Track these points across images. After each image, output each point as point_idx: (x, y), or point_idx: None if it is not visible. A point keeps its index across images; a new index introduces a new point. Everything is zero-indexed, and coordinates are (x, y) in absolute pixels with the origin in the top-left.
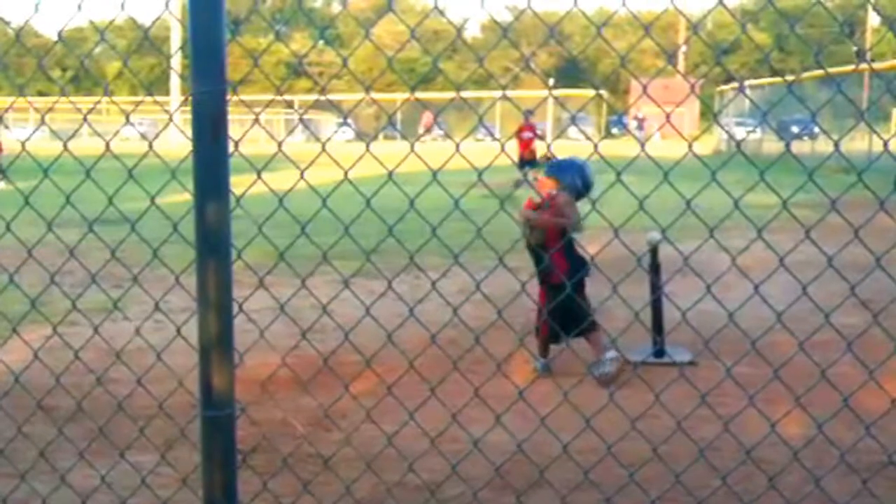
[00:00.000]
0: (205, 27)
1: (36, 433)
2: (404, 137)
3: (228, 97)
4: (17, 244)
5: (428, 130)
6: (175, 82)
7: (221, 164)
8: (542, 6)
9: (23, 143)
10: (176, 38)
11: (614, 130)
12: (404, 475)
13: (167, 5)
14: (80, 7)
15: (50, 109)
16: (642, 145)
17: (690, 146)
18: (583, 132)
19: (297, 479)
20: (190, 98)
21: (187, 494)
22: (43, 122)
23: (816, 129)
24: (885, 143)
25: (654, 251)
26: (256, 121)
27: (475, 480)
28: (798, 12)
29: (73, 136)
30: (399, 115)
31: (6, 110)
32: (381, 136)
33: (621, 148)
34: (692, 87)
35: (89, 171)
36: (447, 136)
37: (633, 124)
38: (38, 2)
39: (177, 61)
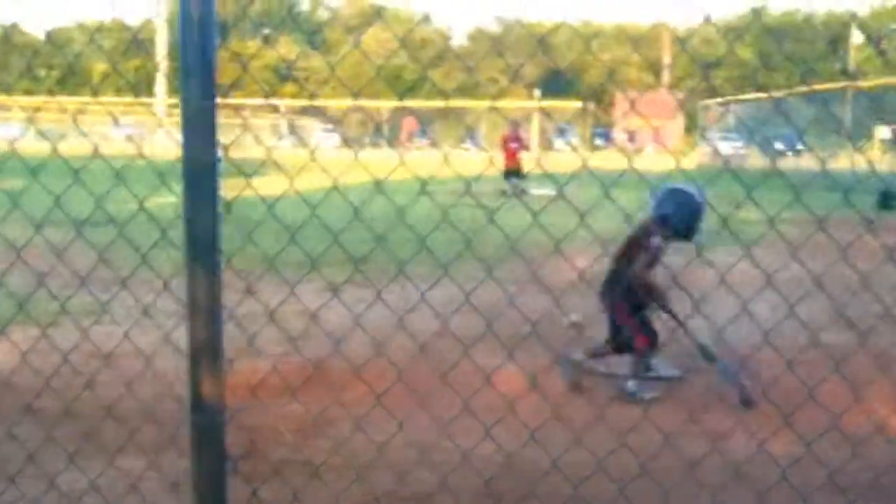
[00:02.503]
0: (193, 33)
1: (24, 435)
2: (390, 145)
3: (217, 101)
4: (4, 244)
5: (410, 137)
6: (161, 84)
7: (211, 171)
8: (528, 17)
9: (11, 144)
10: (162, 39)
11: (598, 142)
12: (394, 486)
13: (157, 10)
14: (71, 9)
15: (39, 109)
16: (629, 159)
17: (678, 162)
18: (569, 143)
19: (286, 487)
20: (179, 103)
21: (175, 500)
22: (31, 122)
23: (800, 146)
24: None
25: None
26: (245, 126)
27: (465, 492)
28: (783, 28)
29: (61, 139)
30: (385, 122)
31: None
32: (366, 140)
33: (606, 160)
34: (680, 102)
35: (77, 172)
36: (433, 144)
37: (622, 137)
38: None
39: (162, 61)
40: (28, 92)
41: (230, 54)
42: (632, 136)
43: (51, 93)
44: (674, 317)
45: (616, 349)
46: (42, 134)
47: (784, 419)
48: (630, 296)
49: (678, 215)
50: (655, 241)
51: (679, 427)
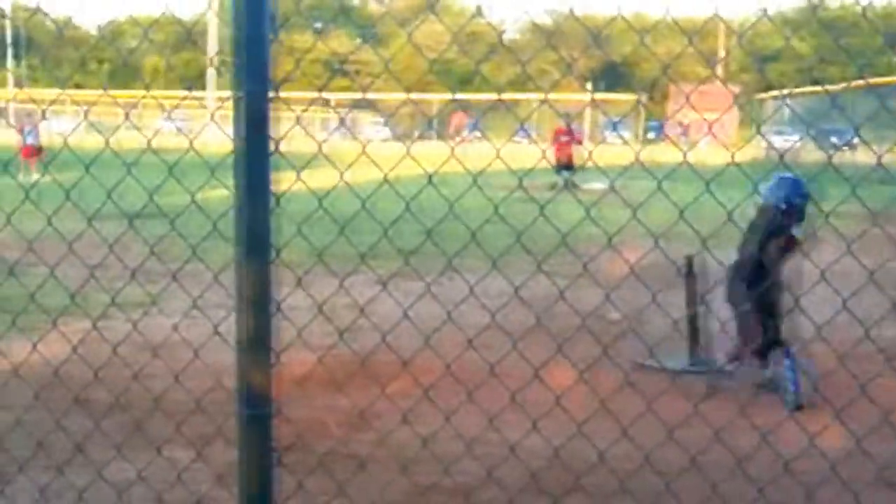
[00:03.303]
0: (249, 28)
1: (73, 426)
2: (441, 138)
3: (271, 95)
4: (57, 236)
5: (458, 131)
6: (211, 77)
7: (263, 164)
8: (580, 9)
9: (65, 140)
10: (213, 33)
11: (651, 136)
12: (439, 478)
13: (209, 4)
14: (123, 2)
15: (94, 104)
16: (685, 154)
17: (733, 157)
18: (621, 137)
19: (332, 479)
20: (232, 97)
21: (222, 491)
22: (85, 117)
23: (856, 140)
24: None
25: (689, 261)
26: (298, 121)
27: (510, 484)
28: (840, 22)
29: (115, 133)
30: (435, 116)
31: (49, 105)
32: (415, 134)
33: (660, 153)
34: (735, 96)
35: (130, 167)
36: (483, 137)
37: (675, 131)
38: None
39: (214, 55)
40: (79, 86)
41: (283, 48)
42: (685, 130)
43: (102, 86)
44: (780, 313)
45: (759, 351)
46: (94, 127)
47: (835, 414)
48: (762, 291)
49: (800, 202)
50: (797, 231)
51: (728, 421)
